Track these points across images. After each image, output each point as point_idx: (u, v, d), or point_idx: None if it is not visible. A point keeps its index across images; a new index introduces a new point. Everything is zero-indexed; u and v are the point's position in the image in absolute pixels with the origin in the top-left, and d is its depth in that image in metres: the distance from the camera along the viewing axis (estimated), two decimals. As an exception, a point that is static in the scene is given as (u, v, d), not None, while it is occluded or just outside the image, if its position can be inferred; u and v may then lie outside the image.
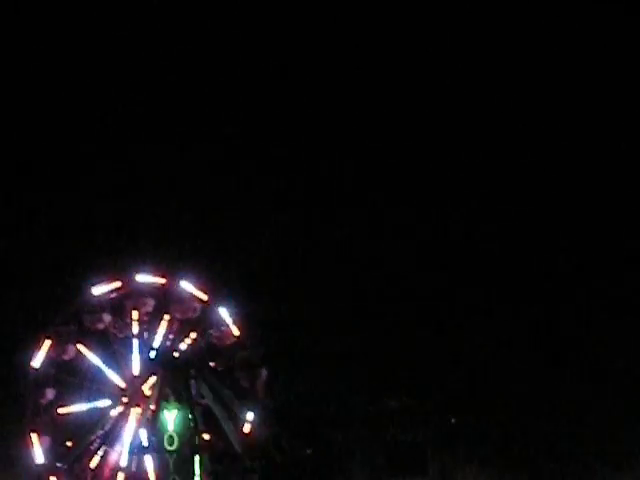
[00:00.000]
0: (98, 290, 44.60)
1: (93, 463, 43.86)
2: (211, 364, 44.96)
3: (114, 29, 53.38)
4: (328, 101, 54.12)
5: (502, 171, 53.76)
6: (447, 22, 55.57)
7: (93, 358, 44.67)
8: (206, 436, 44.26)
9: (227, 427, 44.37)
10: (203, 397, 43.92)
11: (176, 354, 44.25)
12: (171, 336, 44.98)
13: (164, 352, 44.43)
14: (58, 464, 43.96)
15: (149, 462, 43.67)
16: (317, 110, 53.54)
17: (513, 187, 53.75)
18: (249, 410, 44.49)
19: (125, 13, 53.37)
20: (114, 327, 44.98)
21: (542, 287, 51.62)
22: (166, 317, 44.98)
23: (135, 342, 44.97)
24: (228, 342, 45.38)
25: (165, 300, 45.04)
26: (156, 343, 44.82)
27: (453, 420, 49.85)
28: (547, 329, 51.39)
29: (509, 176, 53.71)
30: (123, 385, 44.59)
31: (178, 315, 45.02)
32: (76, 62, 53.14)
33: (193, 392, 43.62)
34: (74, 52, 53.09)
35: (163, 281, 44.97)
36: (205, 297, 45.07)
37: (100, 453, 43.97)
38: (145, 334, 45.00)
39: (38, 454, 43.68)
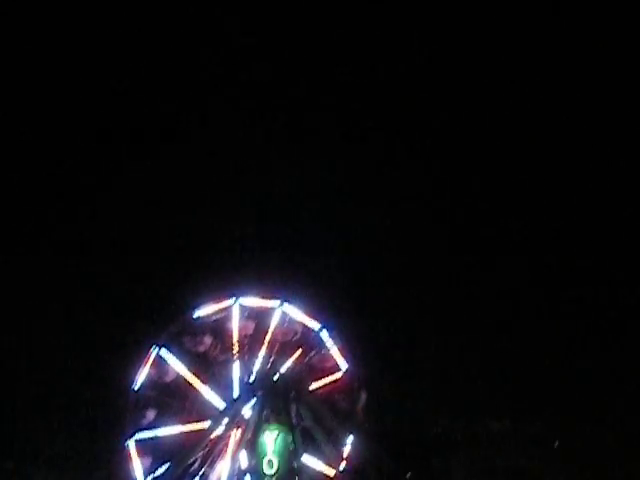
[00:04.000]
0: (200, 313, 44.99)
1: (192, 484, 44.22)
2: (311, 387, 44.93)
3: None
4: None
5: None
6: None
7: (193, 380, 44.80)
8: (306, 459, 44.01)
9: (327, 450, 44.03)
10: (303, 419, 43.47)
11: (276, 377, 44.10)
12: (271, 359, 44.97)
13: (264, 375, 44.43)
14: (158, 484, 44.50)
15: (249, 483, 43.91)
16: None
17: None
18: (349, 433, 44.24)
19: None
20: (215, 349, 45.20)
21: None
22: (267, 340, 45.11)
23: (235, 365, 45.04)
24: (328, 365, 45.36)
25: (266, 323, 45.28)
26: (256, 366, 44.92)
27: (557, 443, 49.03)
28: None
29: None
30: (223, 407, 44.48)
31: (279, 338, 45.15)
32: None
33: (293, 414, 43.36)
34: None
35: (265, 304, 45.25)
36: (307, 320, 45.22)
37: (199, 475, 44.07)
38: (245, 357, 45.08)
39: (139, 474, 44.00)
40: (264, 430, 42.72)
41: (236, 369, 44.97)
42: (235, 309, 45.01)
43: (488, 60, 54.86)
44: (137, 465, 44.10)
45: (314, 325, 45.20)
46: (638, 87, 52.99)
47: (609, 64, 53.96)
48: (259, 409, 43.28)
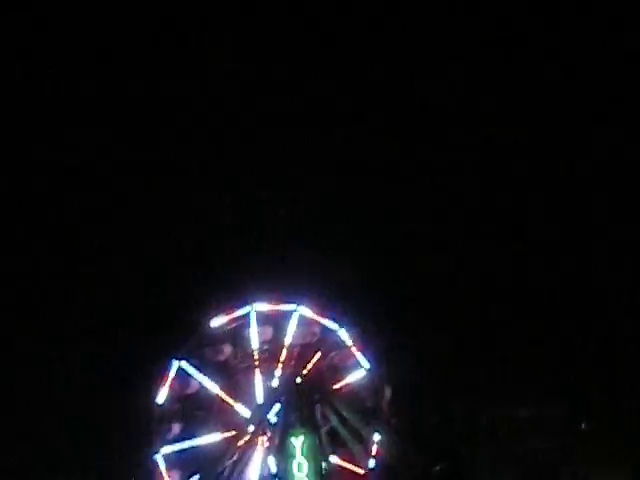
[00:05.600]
0: (217, 322, 44.90)
1: (223, 494, 44.19)
2: (334, 387, 44.85)
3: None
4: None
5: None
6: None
7: (217, 390, 44.76)
8: (334, 459, 44.12)
9: (355, 448, 44.06)
10: (328, 420, 43.64)
11: (298, 380, 44.19)
12: (292, 362, 44.98)
13: (286, 379, 44.45)
14: (188, 498, 44.56)
15: (279, 489, 43.95)
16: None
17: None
18: (375, 430, 44.20)
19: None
20: (235, 358, 45.15)
21: None
22: (286, 344, 45.01)
23: (257, 371, 44.97)
24: (350, 364, 45.20)
25: (284, 327, 45.14)
26: (278, 371, 44.86)
27: (584, 426, 48.88)
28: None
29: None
30: (248, 415, 44.54)
31: (298, 341, 45.06)
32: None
33: (318, 416, 43.47)
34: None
35: (281, 308, 45.17)
36: (324, 321, 45.08)
37: (230, 483, 44.34)
38: (266, 362, 44.99)
39: (168, 488, 44.43)
40: (291, 435, 43.04)
41: (258, 376, 44.89)
42: (252, 316, 44.83)
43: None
44: (167, 478, 44.08)
45: (332, 325, 45.00)
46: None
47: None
48: (284, 414, 43.44)
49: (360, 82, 53.18)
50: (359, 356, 45.04)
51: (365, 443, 44.10)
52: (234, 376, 45.02)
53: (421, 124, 53.06)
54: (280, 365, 44.82)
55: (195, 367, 44.66)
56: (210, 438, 44.58)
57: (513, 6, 53.69)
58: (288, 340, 44.92)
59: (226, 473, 44.13)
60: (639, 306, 49.61)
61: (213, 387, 44.70)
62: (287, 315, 45.09)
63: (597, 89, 52.78)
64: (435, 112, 53.18)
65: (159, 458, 44.09)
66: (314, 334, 45.16)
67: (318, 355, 45.07)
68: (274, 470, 43.31)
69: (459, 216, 52.22)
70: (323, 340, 45.14)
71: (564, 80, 53.52)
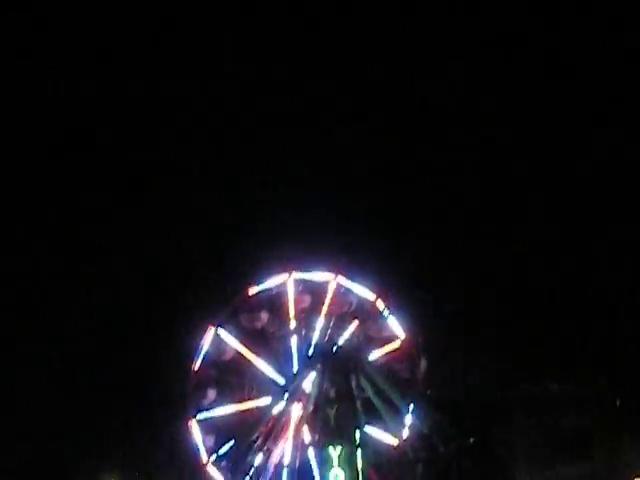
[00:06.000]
0: (254, 290, 45.16)
1: (257, 461, 43.74)
2: (370, 357, 44.93)
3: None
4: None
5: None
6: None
7: (252, 357, 45.05)
8: (368, 429, 43.96)
9: (389, 419, 44.05)
10: (363, 390, 43.39)
11: (334, 349, 44.19)
12: (329, 331, 45.11)
13: (322, 347, 44.58)
14: (222, 462, 44.73)
15: (312, 457, 43.88)
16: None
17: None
18: (410, 401, 44.20)
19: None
20: (272, 325, 45.36)
21: None
22: (323, 312, 45.16)
23: (293, 339, 45.23)
24: (386, 334, 45.42)
25: (321, 296, 45.28)
26: (314, 339, 45.11)
27: (618, 402, 48.73)
28: None
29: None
30: (283, 382, 44.79)
31: (335, 310, 45.18)
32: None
33: (353, 386, 43.19)
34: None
35: (319, 277, 45.32)
36: (362, 291, 45.22)
37: (263, 451, 44.03)
38: (303, 331, 45.25)
39: (202, 452, 44.40)
40: (325, 402, 43.05)
41: (294, 343, 45.18)
42: (290, 283, 45.09)
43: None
44: (201, 444, 44.50)
45: (369, 295, 45.20)
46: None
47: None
48: (319, 382, 43.39)
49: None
50: (395, 326, 45.31)
51: (400, 414, 44.11)
52: (270, 343, 45.31)
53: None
54: (316, 334, 45.09)
55: (231, 334, 45.04)
56: (245, 405, 44.97)
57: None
58: (325, 309, 45.14)
59: (260, 440, 44.27)
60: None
61: (249, 354, 45.05)
62: (325, 284, 45.34)
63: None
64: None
65: (194, 424, 44.55)
66: (351, 304, 45.33)
67: (355, 324, 45.29)
68: (308, 439, 43.72)
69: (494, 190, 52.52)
70: (360, 310, 45.34)
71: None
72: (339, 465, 42.13)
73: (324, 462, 42.43)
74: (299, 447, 44.10)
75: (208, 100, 52.87)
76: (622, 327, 49.72)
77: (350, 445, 42.34)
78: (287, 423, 44.32)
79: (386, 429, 44.57)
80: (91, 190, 52.22)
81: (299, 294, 45.19)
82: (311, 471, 43.99)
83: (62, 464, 47.96)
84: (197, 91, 52.98)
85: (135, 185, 52.60)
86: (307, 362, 44.37)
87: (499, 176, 52.38)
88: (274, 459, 44.02)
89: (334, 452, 42.21)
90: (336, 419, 42.60)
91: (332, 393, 43.08)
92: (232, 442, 44.72)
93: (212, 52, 53.04)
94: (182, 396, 44.91)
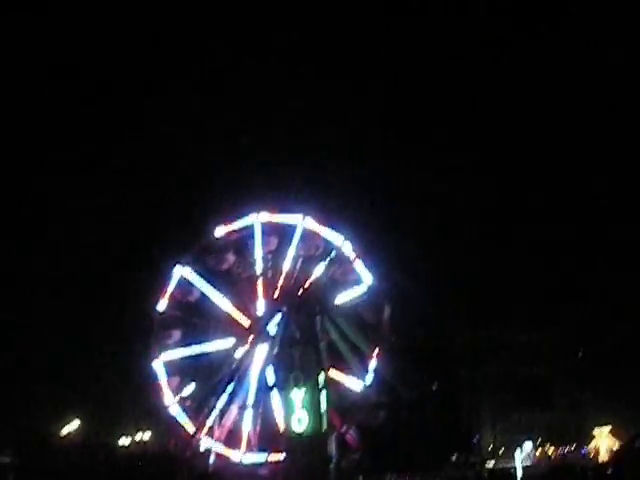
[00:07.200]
0: (221, 231, 44.87)
1: (221, 402, 43.86)
2: (335, 301, 44.65)
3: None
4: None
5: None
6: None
7: (218, 299, 44.88)
8: (332, 372, 43.93)
9: (353, 363, 44.19)
10: (328, 333, 43.32)
11: (300, 292, 44.18)
12: (295, 274, 44.91)
13: (288, 290, 44.47)
14: (186, 403, 44.64)
15: (275, 399, 43.84)
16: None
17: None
18: (375, 346, 44.17)
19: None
20: (238, 267, 45.10)
21: None
22: (290, 255, 44.89)
23: (259, 281, 45.00)
24: (352, 278, 45.15)
25: (288, 238, 45.02)
26: (280, 281, 44.84)
27: (581, 354, 49.16)
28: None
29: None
30: (248, 324, 44.69)
31: (302, 252, 44.93)
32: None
33: (318, 329, 42.94)
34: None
35: (286, 219, 45.02)
36: (329, 234, 44.88)
37: (227, 391, 44.08)
38: (269, 272, 45.05)
39: (167, 393, 44.28)
40: (290, 345, 43.03)
41: (260, 286, 44.96)
42: (257, 226, 44.86)
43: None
44: (165, 385, 44.34)
45: (336, 238, 44.88)
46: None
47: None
48: (284, 324, 43.39)
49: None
50: (361, 271, 45.06)
51: (364, 359, 44.28)
52: (236, 285, 45.11)
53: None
54: (282, 276, 44.86)
55: (198, 275, 44.87)
56: (210, 346, 44.86)
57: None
58: (292, 251, 44.87)
59: (224, 381, 44.33)
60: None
61: (214, 295, 44.88)
62: (292, 227, 45.06)
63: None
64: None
65: (158, 364, 44.39)
66: (318, 247, 45.01)
67: (321, 268, 44.96)
68: (272, 381, 43.78)
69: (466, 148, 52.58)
70: (327, 253, 45.00)
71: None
72: (303, 407, 41.96)
73: (288, 404, 42.81)
74: (263, 389, 44.46)
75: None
76: (587, 282, 50.21)
77: (314, 388, 42.59)
78: (251, 364, 44.46)
79: (350, 373, 44.54)
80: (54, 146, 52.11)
81: (266, 236, 44.90)
82: (274, 412, 44.16)
83: (28, 408, 48.15)
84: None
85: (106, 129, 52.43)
86: (272, 304, 44.34)
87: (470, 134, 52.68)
88: (238, 400, 44.35)
89: (298, 394, 42.11)
90: (300, 361, 42.69)
91: (297, 335, 42.95)
92: (194, 383, 44.52)
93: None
94: (147, 337, 44.79)
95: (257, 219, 44.80)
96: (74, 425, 49.64)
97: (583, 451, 49.57)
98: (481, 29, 54.18)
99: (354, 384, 44.59)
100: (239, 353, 44.26)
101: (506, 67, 54.12)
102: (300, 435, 40.64)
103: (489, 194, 50.44)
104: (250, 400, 44.24)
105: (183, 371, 44.85)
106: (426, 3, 54.84)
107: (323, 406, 41.85)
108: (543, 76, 53.87)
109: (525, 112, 53.31)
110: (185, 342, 44.96)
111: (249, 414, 44.20)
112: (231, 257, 44.96)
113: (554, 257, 49.44)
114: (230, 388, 43.79)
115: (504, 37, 54.07)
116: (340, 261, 44.96)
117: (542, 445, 49.99)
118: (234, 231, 44.91)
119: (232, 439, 43.98)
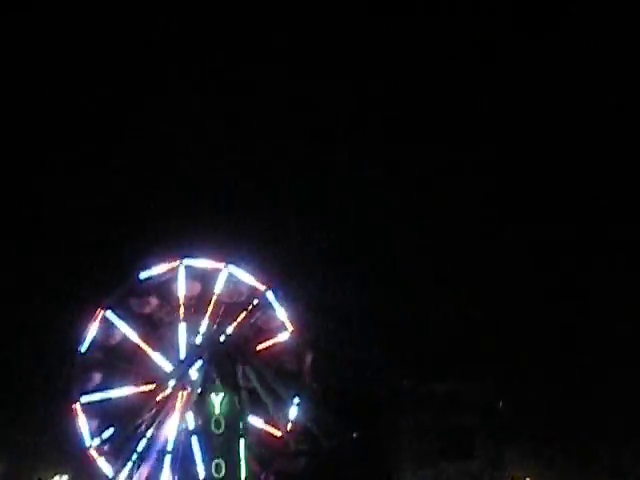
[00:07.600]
0: (146, 274, 44.76)
1: (140, 446, 43.46)
2: (257, 348, 44.94)
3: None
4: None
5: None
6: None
7: (140, 342, 44.65)
8: (252, 419, 44.19)
9: (273, 411, 44.12)
10: (249, 380, 43.47)
11: (222, 338, 44.14)
12: (218, 320, 44.90)
13: (210, 336, 44.40)
14: (105, 447, 44.29)
15: (195, 445, 43.52)
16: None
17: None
18: (295, 394, 44.36)
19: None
20: (161, 311, 45.05)
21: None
22: (213, 301, 44.91)
23: (182, 326, 44.87)
24: (274, 326, 45.34)
25: (212, 284, 45.07)
26: (202, 327, 44.79)
27: (501, 404, 49.53)
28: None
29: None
30: (169, 369, 44.45)
31: (225, 299, 45.02)
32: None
33: (239, 376, 43.28)
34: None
35: (211, 265, 45.07)
36: (253, 282, 45.13)
37: (147, 436, 43.74)
38: (192, 318, 44.89)
39: (86, 437, 43.86)
40: (211, 391, 43.04)
41: (182, 331, 44.83)
42: (181, 270, 44.82)
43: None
44: (84, 427, 43.91)
45: (260, 286, 45.15)
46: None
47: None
48: (205, 371, 43.34)
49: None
50: (284, 319, 45.31)
51: (284, 406, 44.30)
52: (158, 329, 45.00)
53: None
54: (205, 322, 44.85)
55: (120, 318, 44.59)
56: (130, 390, 44.54)
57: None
58: (215, 297, 44.92)
59: (144, 426, 44.05)
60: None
61: (137, 339, 44.65)
62: (217, 272, 45.13)
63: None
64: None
65: (78, 407, 43.94)
66: (242, 294, 45.19)
67: (244, 315, 45.06)
68: (192, 426, 43.55)
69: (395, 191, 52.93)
70: (250, 301, 45.16)
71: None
72: (222, 454, 42.16)
73: (207, 450, 42.68)
74: (183, 434, 44.08)
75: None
76: (509, 333, 50.68)
77: (234, 434, 42.83)
78: (172, 410, 43.93)
79: (270, 420, 44.59)
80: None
81: (190, 281, 44.91)
82: (194, 458, 43.92)
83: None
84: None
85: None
86: (194, 350, 44.20)
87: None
88: (158, 445, 44.05)
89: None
90: (221, 408, 42.91)
91: (218, 382, 43.08)
92: (114, 427, 44.06)
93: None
94: (67, 379, 44.35)
95: (180, 264, 44.80)
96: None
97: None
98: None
99: (274, 431, 44.75)
100: (159, 398, 43.94)
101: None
102: (219, 482, 40.69)
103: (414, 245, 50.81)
104: (169, 445, 43.73)
105: (103, 415, 44.37)
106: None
107: (242, 453, 42.20)
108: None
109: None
110: (106, 385, 44.56)
111: (168, 460, 43.82)
112: (154, 301, 44.85)
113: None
114: (150, 433, 43.72)
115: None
116: (263, 308, 45.17)
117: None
118: (158, 275, 44.83)
119: (151, 485, 43.78)
